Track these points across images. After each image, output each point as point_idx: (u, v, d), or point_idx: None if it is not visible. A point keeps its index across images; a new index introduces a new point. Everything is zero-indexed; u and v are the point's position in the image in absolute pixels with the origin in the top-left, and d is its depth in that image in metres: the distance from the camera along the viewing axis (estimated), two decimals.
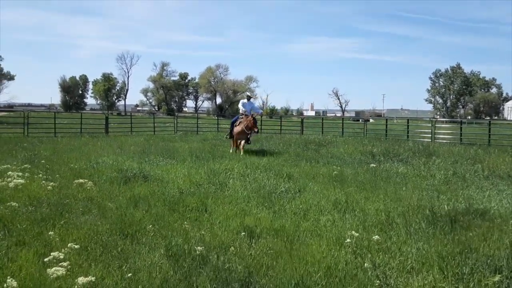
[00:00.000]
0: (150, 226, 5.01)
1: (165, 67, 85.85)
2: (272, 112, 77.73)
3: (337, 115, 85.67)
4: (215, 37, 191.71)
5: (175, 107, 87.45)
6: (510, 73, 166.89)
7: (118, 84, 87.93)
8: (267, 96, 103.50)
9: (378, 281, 3.53)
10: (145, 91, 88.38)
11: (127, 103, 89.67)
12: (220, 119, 28.88)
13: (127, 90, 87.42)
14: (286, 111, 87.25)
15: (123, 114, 70.03)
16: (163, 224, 5.17)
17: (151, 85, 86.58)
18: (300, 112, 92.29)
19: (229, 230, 4.96)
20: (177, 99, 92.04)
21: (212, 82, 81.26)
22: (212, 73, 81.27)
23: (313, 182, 7.92)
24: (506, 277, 3.53)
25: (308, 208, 6.10)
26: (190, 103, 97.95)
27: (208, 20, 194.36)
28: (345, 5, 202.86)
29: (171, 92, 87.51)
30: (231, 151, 13.31)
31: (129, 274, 3.66)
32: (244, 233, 4.76)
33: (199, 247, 4.22)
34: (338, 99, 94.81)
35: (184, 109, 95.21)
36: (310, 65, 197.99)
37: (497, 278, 3.40)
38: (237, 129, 12.96)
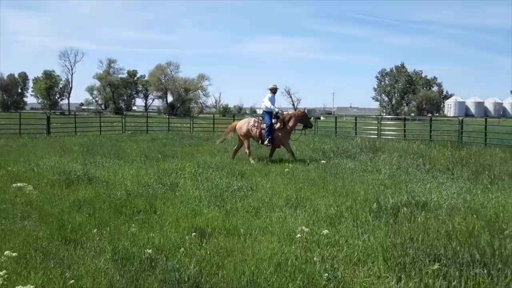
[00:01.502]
0: (95, 230, 4.80)
1: (112, 64, 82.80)
2: (225, 111, 77.56)
3: (290, 113, 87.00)
4: (165, 34, 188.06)
5: (123, 106, 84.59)
6: (450, 72, 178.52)
7: (61, 82, 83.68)
8: (220, 94, 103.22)
9: (326, 274, 3.60)
10: (90, 89, 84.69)
11: (71, 101, 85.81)
12: (171, 118, 28.31)
13: (70, 88, 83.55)
14: (240, 109, 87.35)
15: (67, 113, 66.68)
16: (109, 228, 4.96)
17: (97, 83, 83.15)
18: (253, 111, 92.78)
19: (180, 231, 4.86)
20: (125, 98, 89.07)
21: (163, 80, 79.48)
22: (162, 70, 79.50)
23: (265, 180, 7.96)
24: (444, 265, 3.74)
25: (260, 205, 6.13)
26: (139, 102, 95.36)
27: (159, 17, 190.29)
28: (297, 5, 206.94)
29: (119, 90, 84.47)
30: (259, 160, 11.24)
31: (72, 281, 3.48)
32: (195, 233, 4.68)
33: (147, 250, 4.09)
34: (291, 97, 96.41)
35: (133, 108, 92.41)
36: (263, 64, 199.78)
37: (435, 266, 3.59)
38: (281, 132, 11.17)
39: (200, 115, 53.59)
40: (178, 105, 77.00)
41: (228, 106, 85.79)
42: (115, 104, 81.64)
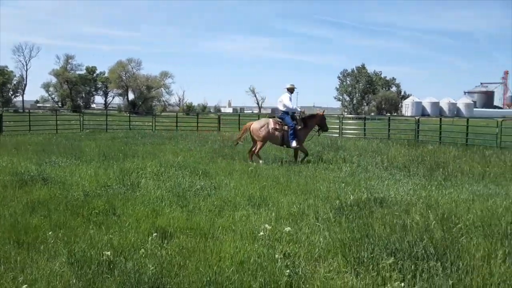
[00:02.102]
0: (50, 232, 4.59)
1: (69, 60, 79.32)
2: (189, 109, 76.64)
3: (254, 112, 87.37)
4: (127, 30, 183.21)
5: (81, 104, 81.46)
6: (407, 73, 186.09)
7: (15, 78, 79.26)
8: (184, 92, 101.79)
9: (288, 271, 3.64)
10: (46, 86, 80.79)
11: (25, 99, 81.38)
12: (132, 116, 27.63)
13: (25, 84, 79.22)
14: (204, 108, 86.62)
15: (21, 111, 63.35)
16: (65, 230, 4.77)
17: (54, 80, 79.50)
18: (217, 109, 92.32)
19: (140, 232, 4.75)
20: (84, 95, 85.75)
21: (124, 77, 77.22)
22: (123, 67, 77.20)
23: (229, 179, 7.94)
24: (400, 259, 3.88)
25: (224, 204, 6.10)
26: (99, 99, 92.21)
27: (120, 12, 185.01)
28: (262, 5, 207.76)
29: (77, 87, 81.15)
30: (300, 159, 11.04)
31: (25, 286, 3.33)
32: (156, 234, 4.59)
33: (106, 252, 3.97)
34: (255, 96, 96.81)
35: (92, 106, 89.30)
36: (228, 63, 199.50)
37: (391, 260, 3.72)
38: (301, 132, 10.97)
39: (162, 114, 52.65)
40: (140, 103, 75.17)
41: (192, 105, 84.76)
42: (73, 102, 78.43)
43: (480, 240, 4.48)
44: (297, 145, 10.78)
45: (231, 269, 3.70)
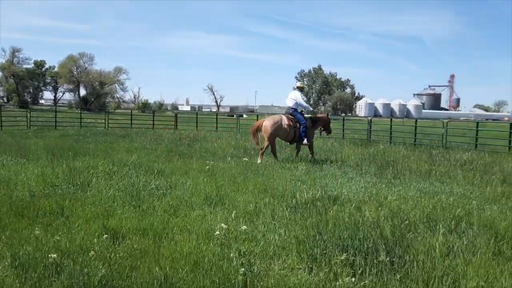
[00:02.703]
0: None
1: (16, 53, 74.64)
2: (144, 107, 74.72)
3: (213, 110, 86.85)
4: (79, 23, 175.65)
5: (29, 99, 77.04)
6: (361, 75, 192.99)
7: None
8: (139, 89, 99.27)
9: (243, 269, 3.65)
10: None
11: None
12: (84, 113, 26.52)
13: None
14: (160, 105, 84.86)
15: None
16: (10, 232, 4.50)
17: None
18: (175, 107, 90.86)
19: (90, 233, 4.57)
20: (31, 90, 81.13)
21: (75, 72, 73.84)
22: (74, 62, 73.79)
23: (185, 178, 7.83)
24: (351, 254, 4.01)
25: (179, 204, 6.01)
26: (48, 95, 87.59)
27: (71, 4, 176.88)
28: (221, 3, 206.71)
29: (24, 81, 76.61)
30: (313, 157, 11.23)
31: None
32: (106, 235, 4.43)
33: (52, 255, 3.78)
34: (213, 94, 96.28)
35: (40, 101, 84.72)
36: (186, 60, 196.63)
37: (343, 256, 3.83)
38: (310, 130, 11.12)
39: (117, 111, 50.94)
40: (92, 99, 72.26)
41: (148, 102, 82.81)
42: (20, 97, 73.86)
43: (426, 235, 4.73)
44: (307, 142, 10.99)
45: (185, 270, 3.65)
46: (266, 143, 10.79)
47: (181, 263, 3.81)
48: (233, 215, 5.38)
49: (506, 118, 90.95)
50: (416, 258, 4.01)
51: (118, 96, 79.88)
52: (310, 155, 11.37)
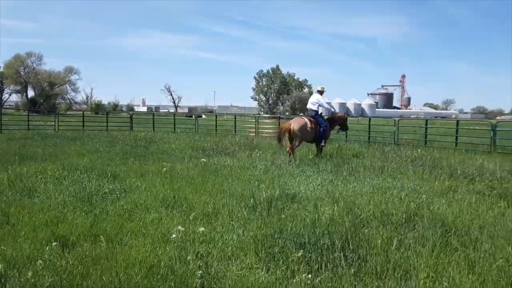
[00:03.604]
0: None
1: None
2: (98, 108, 71.96)
3: (170, 111, 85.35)
4: (26, 22, 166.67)
5: None
6: (317, 75, 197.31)
7: None
8: (92, 90, 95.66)
9: (200, 272, 3.59)
10: None
11: None
12: (32, 115, 25.16)
13: None
14: (115, 106, 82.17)
15: None
16: None
17: None
18: (130, 108, 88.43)
19: (37, 241, 4.32)
20: None
21: (22, 73, 69.78)
22: (22, 62, 69.66)
23: (141, 181, 7.61)
24: (308, 251, 4.06)
25: (134, 208, 5.83)
26: None
27: (16, 3, 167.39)
28: (179, 2, 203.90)
29: None
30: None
31: None
32: (56, 243, 4.21)
33: None
34: (171, 95, 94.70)
35: None
36: (142, 60, 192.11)
37: (300, 253, 3.87)
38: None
39: (68, 112, 48.79)
40: (41, 100, 68.60)
41: (102, 103, 79.84)
42: None
43: (379, 229, 4.89)
44: (325, 144, 11.79)
45: (140, 275, 3.53)
46: (297, 144, 11.42)
47: (135, 269, 3.69)
48: (191, 217, 5.29)
49: (453, 116, 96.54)
50: (370, 252, 4.13)
51: (69, 97, 76.48)
52: (318, 152, 11.88)
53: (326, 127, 11.60)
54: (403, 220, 5.24)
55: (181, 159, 10.82)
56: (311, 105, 11.77)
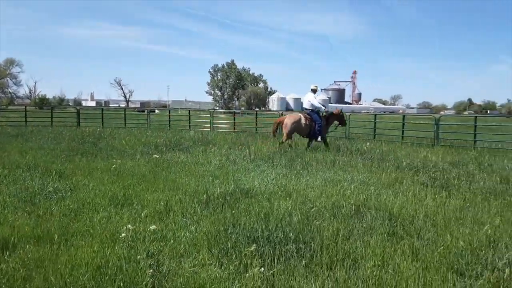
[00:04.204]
0: None
1: None
2: (42, 102, 68.07)
3: (121, 105, 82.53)
4: None
5: None
6: (273, 70, 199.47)
7: None
8: (35, 83, 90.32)
9: (151, 271, 3.50)
10: None
11: None
12: None
13: None
14: (61, 100, 78.14)
15: None
16: None
17: None
18: (78, 103, 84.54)
19: None
20: None
21: None
22: None
23: (88, 179, 7.29)
24: (261, 245, 4.08)
25: (81, 207, 5.58)
26: None
27: None
28: None
29: None
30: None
31: None
32: None
33: None
34: (122, 88, 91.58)
35: None
36: (90, 52, 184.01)
37: (253, 247, 3.88)
38: (324, 127, 12.47)
39: (9, 107, 45.75)
40: None
41: (47, 97, 75.57)
42: None
43: (330, 221, 5.02)
44: (321, 140, 12.40)
45: (86, 276, 3.38)
46: (284, 137, 12.45)
47: (82, 270, 3.53)
48: (143, 215, 5.15)
49: (401, 111, 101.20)
50: (321, 244, 4.23)
51: (11, 91, 71.81)
52: (325, 147, 12.54)
53: (321, 124, 12.24)
54: (353, 212, 5.42)
55: (132, 156, 10.49)
56: (305, 104, 12.58)
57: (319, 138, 12.40)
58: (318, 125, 12.28)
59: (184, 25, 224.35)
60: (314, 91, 12.71)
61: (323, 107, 12.73)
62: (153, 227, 4.60)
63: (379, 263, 3.85)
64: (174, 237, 4.39)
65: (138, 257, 3.77)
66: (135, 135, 16.36)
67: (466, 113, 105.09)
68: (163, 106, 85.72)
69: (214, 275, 3.50)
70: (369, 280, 3.51)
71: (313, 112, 12.48)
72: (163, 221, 5.00)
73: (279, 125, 12.78)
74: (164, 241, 4.30)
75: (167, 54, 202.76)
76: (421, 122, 22.44)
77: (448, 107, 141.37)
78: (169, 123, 23.09)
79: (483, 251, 4.11)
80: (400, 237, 4.56)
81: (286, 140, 12.48)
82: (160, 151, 11.55)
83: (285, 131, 12.51)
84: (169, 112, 26.18)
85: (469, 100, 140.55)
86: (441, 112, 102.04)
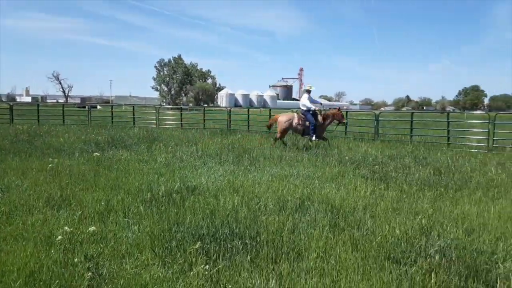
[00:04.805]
0: None
1: None
2: None
3: (60, 101, 78.02)
4: None
5: None
6: (221, 66, 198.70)
7: None
8: None
9: (90, 273, 3.34)
10: None
11: None
12: None
13: None
14: None
15: None
16: None
17: None
18: (11, 98, 78.77)
19: None
20: None
21: None
22: None
23: (22, 179, 6.82)
24: (206, 242, 4.04)
25: (13, 209, 5.20)
26: None
27: None
28: None
29: None
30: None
31: None
32: None
33: None
34: (60, 83, 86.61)
35: None
36: (25, 44, 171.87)
37: (197, 245, 3.83)
38: (321, 126, 12.78)
39: None
40: None
41: None
42: None
43: (276, 215, 5.09)
44: (316, 138, 12.73)
45: (18, 283, 3.16)
46: (278, 135, 13.11)
47: (13, 276, 3.29)
48: (78, 216, 4.90)
49: (344, 107, 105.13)
50: (267, 238, 4.28)
51: None
52: (326, 142, 12.92)
53: (314, 124, 12.62)
54: (298, 206, 5.54)
55: (70, 154, 9.96)
56: (301, 105, 13.06)
57: (313, 137, 12.68)
58: (312, 125, 12.63)
59: (128, 18, 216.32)
60: (308, 91, 13.10)
61: (313, 106, 12.93)
62: (92, 228, 4.40)
63: (322, 254, 3.96)
64: (115, 238, 4.22)
65: (76, 260, 3.58)
66: (75, 132, 15.56)
67: (404, 109, 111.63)
68: (106, 102, 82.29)
69: (157, 275, 3.41)
70: (312, 272, 3.60)
71: (308, 112, 12.74)
72: (104, 222, 4.79)
73: (274, 122, 13.51)
74: (105, 242, 4.13)
75: (110, 47, 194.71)
76: (363, 118, 23.43)
77: (388, 103, 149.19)
78: (112, 119, 22.19)
79: (417, 240, 4.37)
80: (342, 228, 4.73)
81: (279, 137, 13.08)
82: (101, 149, 11.07)
83: (278, 128, 13.18)
84: (112, 108, 25.14)
85: (407, 97, 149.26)
86: (381, 109, 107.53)
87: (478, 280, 3.49)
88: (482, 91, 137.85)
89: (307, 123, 12.78)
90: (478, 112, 55.41)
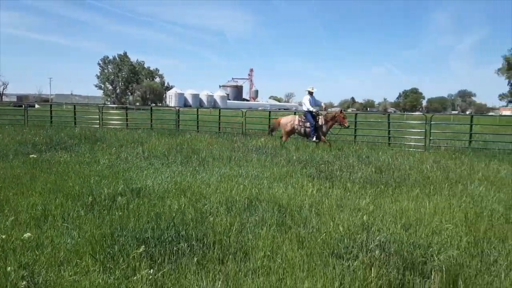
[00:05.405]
0: None
1: None
2: None
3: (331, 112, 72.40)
4: None
5: None
6: (170, 65, 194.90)
7: None
8: None
9: (24, 282, 3.12)
10: None
11: None
12: None
13: None
14: None
15: None
16: None
17: None
18: None
19: None
20: None
21: None
22: None
23: None
24: (151, 246, 3.93)
25: None
26: None
27: None
28: None
29: None
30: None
31: None
32: None
33: None
34: None
35: None
36: None
37: (141, 249, 3.72)
38: (323, 127, 13.04)
39: None
40: None
41: None
42: None
43: (224, 216, 5.07)
44: (316, 139, 13.00)
45: None
46: (284, 138, 13.61)
47: None
48: (12, 222, 4.57)
49: (294, 108, 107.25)
50: (214, 239, 4.24)
51: None
52: (328, 146, 12.86)
53: (314, 125, 13.00)
54: (246, 205, 5.55)
55: (3, 156, 9.27)
56: (303, 106, 13.45)
57: (314, 138, 13.06)
58: (311, 126, 13.07)
59: (69, 12, 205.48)
60: (310, 93, 13.30)
61: (311, 108, 13.15)
62: (27, 234, 4.13)
63: (269, 253, 4.00)
64: (52, 245, 3.98)
65: (9, 269, 3.33)
66: (9, 132, 14.51)
67: (349, 110, 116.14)
68: (45, 100, 77.65)
69: (97, 282, 3.26)
70: (258, 271, 3.62)
71: (308, 113, 13.15)
72: (40, 228, 4.51)
73: (277, 125, 14.14)
74: (41, 249, 3.88)
75: (50, 43, 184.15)
76: None
77: (335, 104, 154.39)
78: (51, 119, 20.98)
79: (359, 235, 4.55)
80: (289, 227, 4.81)
81: (285, 139, 13.57)
82: (39, 151, 10.43)
83: (282, 131, 13.85)
84: (51, 107, 23.77)
85: (352, 98, 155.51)
86: (328, 109, 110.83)
87: (414, 272, 3.69)
88: (421, 93, 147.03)
89: (308, 124, 13.25)
90: (417, 113, 59.05)
